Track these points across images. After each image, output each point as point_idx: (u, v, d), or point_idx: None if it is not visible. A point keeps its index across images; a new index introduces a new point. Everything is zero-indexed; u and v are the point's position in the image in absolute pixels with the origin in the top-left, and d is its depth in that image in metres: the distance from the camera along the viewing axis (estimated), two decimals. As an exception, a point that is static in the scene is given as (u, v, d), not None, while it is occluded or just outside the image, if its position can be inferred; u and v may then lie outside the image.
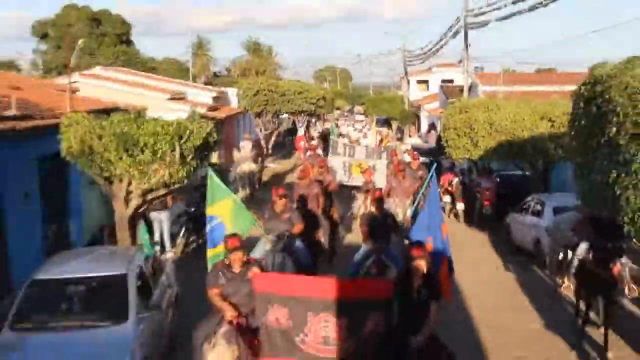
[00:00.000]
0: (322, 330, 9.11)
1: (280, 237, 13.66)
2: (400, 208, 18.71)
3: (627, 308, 15.00)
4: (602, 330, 13.31)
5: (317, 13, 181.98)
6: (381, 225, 14.07)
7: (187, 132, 14.95)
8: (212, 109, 35.89)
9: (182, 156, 14.94)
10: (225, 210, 12.32)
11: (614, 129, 9.87)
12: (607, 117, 10.15)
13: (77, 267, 12.63)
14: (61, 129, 15.23)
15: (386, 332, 9.04)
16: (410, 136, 58.98)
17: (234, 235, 10.19)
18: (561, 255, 15.76)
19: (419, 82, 77.68)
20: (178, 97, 33.80)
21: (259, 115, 38.45)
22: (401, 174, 20.06)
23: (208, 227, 12.36)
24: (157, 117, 16.12)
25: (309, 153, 31.61)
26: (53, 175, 18.39)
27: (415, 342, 8.69)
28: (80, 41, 26.72)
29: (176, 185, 15.69)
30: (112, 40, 77.98)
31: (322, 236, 17.58)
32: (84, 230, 20.03)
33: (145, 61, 77.46)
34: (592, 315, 13.86)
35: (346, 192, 28.28)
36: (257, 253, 12.79)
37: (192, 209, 21.12)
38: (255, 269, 9.79)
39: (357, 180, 27.53)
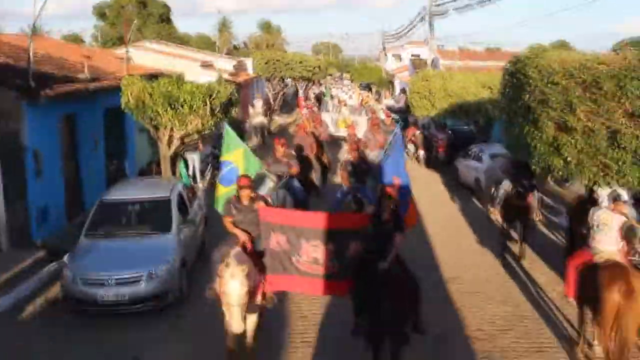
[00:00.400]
0: (313, 252, 9.09)
1: (280, 177, 13.53)
2: (374, 156, 17.67)
3: (537, 228, 15.56)
4: (519, 244, 14.06)
5: (315, 1, 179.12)
6: (358, 170, 13.87)
7: (215, 92, 15.34)
8: (233, 74, 35.80)
9: (211, 110, 15.33)
10: (238, 157, 11.78)
11: (527, 96, 10.31)
12: (523, 87, 10.59)
13: (134, 192, 13.19)
14: (122, 88, 15.66)
15: (362, 255, 8.86)
16: (385, 98, 58.44)
17: (244, 176, 10.00)
18: (493, 190, 15.90)
19: (394, 55, 74.66)
20: (207, 65, 33.74)
21: (268, 79, 38.40)
22: (375, 128, 19.64)
23: (224, 170, 11.71)
24: (192, 80, 16.54)
25: (306, 110, 30.64)
26: (113, 123, 18.67)
27: (382, 265, 8.35)
28: (134, 22, 26.72)
29: (206, 132, 16.14)
30: (156, 20, 76.70)
31: (315, 177, 17.32)
32: (135, 165, 20.39)
33: (181, 36, 76.50)
34: (512, 233, 14.50)
35: (334, 142, 27.79)
36: (263, 190, 12.32)
37: (217, 151, 21.45)
38: (261, 203, 9.55)
39: (343, 132, 26.92)
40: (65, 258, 11.53)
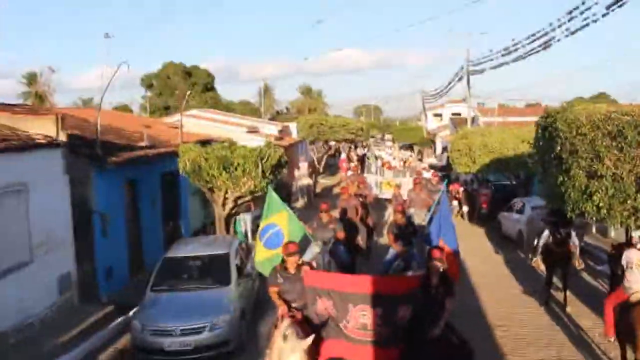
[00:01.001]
0: (361, 318, 8.82)
1: (325, 243, 13.45)
2: (418, 217, 17.70)
3: (580, 276, 15.99)
4: (563, 291, 14.60)
5: (354, 62, 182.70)
6: (404, 232, 13.72)
7: (266, 155, 16.49)
8: (278, 138, 37.25)
9: (263, 172, 16.46)
10: (282, 220, 11.75)
11: (559, 147, 11.12)
12: (554, 139, 11.40)
13: (194, 249, 14.24)
14: (179, 154, 16.91)
15: (411, 321, 8.64)
16: (427, 157, 59.62)
17: (292, 242, 9.84)
18: (535, 240, 16.58)
19: (435, 115, 75.73)
20: (253, 131, 35.24)
21: (312, 142, 39.74)
22: (418, 187, 19.62)
23: (268, 232, 11.70)
24: (243, 145, 17.73)
25: (350, 172, 30.45)
26: (169, 187, 19.90)
27: (435, 331, 8.22)
28: (188, 92, 28.42)
29: (258, 193, 17.18)
30: (200, 88, 79.61)
31: (361, 240, 16.87)
32: (189, 226, 21.49)
33: (226, 104, 79.03)
34: (555, 281, 15.00)
35: (379, 204, 27.71)
36: (307, 256, 11.99)
37: None
38: (306, 267, 9.42)
39: (387, 194, 27.21)
40: (134, 311, 12.55)
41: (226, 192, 16.69)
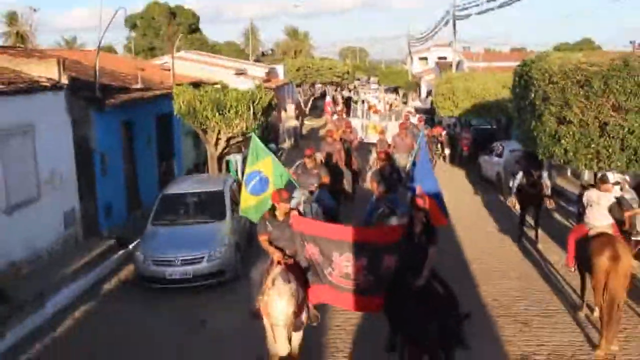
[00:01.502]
0: (344, 268, 8.94)
1: (312, 191, 13.58)
2: (403, 161, 17.79)
3: (552, 215, 17.11)
4: (534, 229, 15.70)
5: (340, 3, 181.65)
6: (387, 178, 13.77)
7: (258, 97, 17.27)
8: (266, 81, 37.77)
9: (254, 114, 17.26)
10: (267, 166, 11.72)
11: (532, 94, 11.99)
12: (529, 87, 12.27)
13: (190, 186, 15.15)
14: (173, 96, 17.62)
15: (396, 270, 8.69)
16: (412, 100, 60.21)
17: (282, 189, 9.78)
18: (510, 181, 17.17)
19: (420, 58, 76.33)
20: (240, 73, 35.72)
21: (299, 85, 40.34)
22: (404, 132, 19.76)
23: (253, 179, 11.63)
24: (235, 87, 18.44)
25: (336, 116, 29.99)
26: (163, 128, 20.57)
27: (418, 281, 8.17)
28: (180, 35, 28.74)
29: (249, 134, 17.93)
30: (185, 29, 79.09)
31: (346, 184, 17.09)
32: (183, 167, 22.32)
33: (212, 45, 78.76)
34: (528, 219, 16.11)
35: (364, 148, 27.58)
36: (292, 203, 11.48)
37: None
38: (294, 213, 9.31)
39: (373, 138, 27.06)
40: (134, 244, 13.51)
41: (219, 133, 17.50)
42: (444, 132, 28.95)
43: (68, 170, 14.44)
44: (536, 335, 10.34)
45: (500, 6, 29.82)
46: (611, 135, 10.40)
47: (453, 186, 22.12)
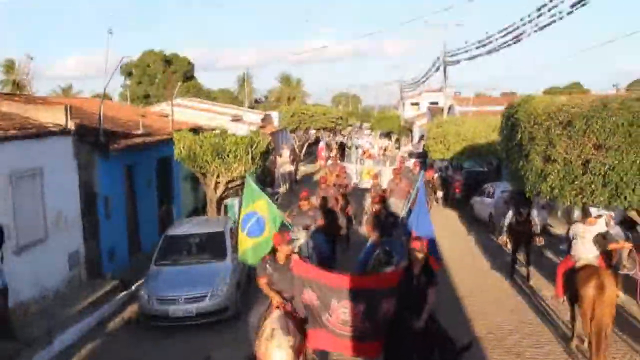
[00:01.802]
0: (342, 315, 9.00)
1: (305, 228, 13.59)
2: (398, 206, 17.39)
3: (543, 252, 17.64)
4: (526, 266, 16.20)
5: (333, 51, 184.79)
6: (383, 222, 13.79)
7: (256, 142, 17.92)
8: (261, 127, 38.56)
9: (252, 158, 17.88)
10: (262, 208, 11.78)
11: (519, 135, 12.66)
12: (516, 128, 12.95)
13: (192, 227, 15.67)
14: (174, 141, 18.26)
15: (396, 313, 8.79)
16: (405, 145, 61.16)
17: (284, 231, 10.05)
18: (501, 221, 17.78)
19: (412, 104, 77.99)
20: (236, 119, 36.51)
21: (293, 131, 41.08)
22: (398, 177, 19.93)
23: (250, 221, 11.70)
24: (233, 133, 19.10)
25: (330, 161, 30.49)
26: (162, 172, 21.19)
27: (418, 324, 8.28)
28: (179, 83, 29.56)
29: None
30: (181, 76, 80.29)
31: (341, 228, 16.93)
32: (182, 210, 22.86)
33: (207, 92, 79.87)
34: (519, 257, 16.63)
35: (359, 193, 27.53)
36: (296, 244, 11.92)
37: None
38: (295, 256, 9.44)
39: (367, 183, 27.15)
40: (137, 285, 13.95)
41: (218, 177, 18.08)
42: (436, 175, 29.69)
43: (73, 213, 14.98)
44: (528, 365, 10.79)
45: (489, 52, 30.63)
46: (593, 172, 11.02)
47: (446, 227, 22.71)
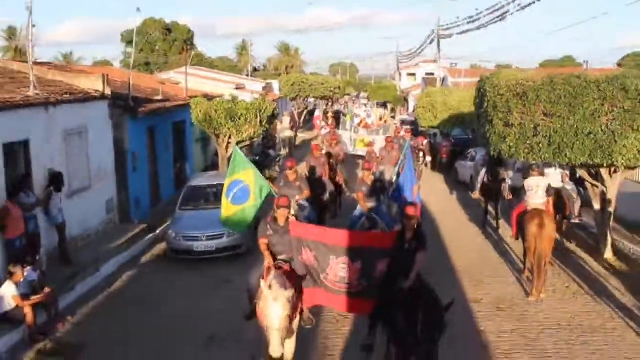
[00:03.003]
0: (340, 271, 9.40)
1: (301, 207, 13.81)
2: (388, 173, 18.33)
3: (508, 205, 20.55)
4: (495, 217, 19.21)
5: (331, 20, 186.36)
6: (372, 189, 14.30)
7: (264, 107, 20.72)
8: (263, 95, 41.09)
9: (260, 122, 20.68)
10: (248, 177, 11.99)
11: (486, 104, 15.39)
12: (484, 99, 15.67)
13: (210, 179, 18.48)
14: (191, 106, 21.04)
15: (386, 274, 9.19)
16: (400, 114, 63.74)
17: (283, 195, 10.34)
18: (477, 179, 20.68)
19: (409, 74, 79.89)
20: (240, 87, 39.16)
21: (293, 99, 43.77)
22: (390, 146, 20.57)
23: (235, 189, 12.00)
24: (243, 99, 21.86)
25: (326, 129, 30.89)
26: (177, 134, 24.00)
27: (405, 284, 8.64)
28: (192, 52, 32.12)
29: (255, 139, 21.37)
30: (181, 44, 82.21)
31: (328, 198, 17.53)
32: (193, 168, 25.57)
33: (210, 61, 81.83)
34: (490, 209, 19.55)
35: (352, 161, 29.19)
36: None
37: (257, 157, 26.34)
38: (293, 218, 9.91)
39: (361, 151, 28.39)
40: (161, 228, 16.84)
41: (230, 138, 20.85)
42: (425, 141, 32.43)
43: (109, 166, 17.80)
44: (486, 289, 13.70)
45: (478, 28, 33.41)
46: (541, 135, 13.83)
47: (434, 188, 25.72)
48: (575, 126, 13.48)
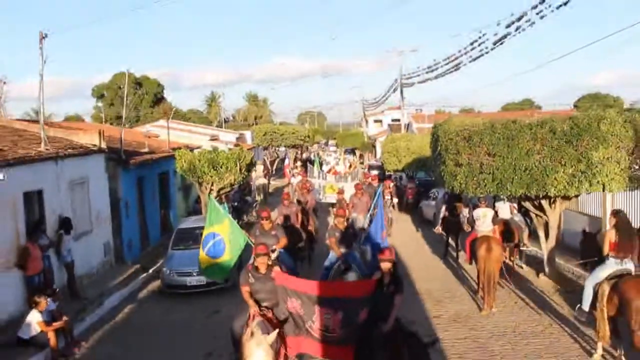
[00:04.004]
0: (325, 320, 9.75)
1: (272, 251, 13.59)
2: (359, 220, 19.68)
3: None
4: (455, 248, 21.70)
5: (297, 70, 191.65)
6: (345, 236, 14.66)
7: (242, 157, 23.13)
8: (236, 145, 43.31)
9: (240, 169, 23.06)
10: (224, 229, 12.32)
11: (439, 147, 17.96)
12: (437, 142, 18.27)
13: (195, 222, 20.57)
14: (175, 157, 23.37)
15: (368, 320, 9.52)
16: (369, 160, 66.30)
17: (261, 244, 10.76)
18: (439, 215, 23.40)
19: (375, 121, 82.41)
20: (214, 138, 41.66)
21: (266, 148, 46.36)
22: (360, 193, 21.62)
23: (210, 242, 12.52)
24: (223, 150, 24.25)
25: (299, 178, 32.48)
26: (162, 184, 26.32)
27: (385, 327, 9.01)
28: (173, 109, 34.61)
29: (235, 186, 23.73)
30: (151, 98, 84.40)
31: (300, 242, 18.26)
32: (177, 215, 27.75)
33: (182, 114, 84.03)
34: (450, 242, 22.09)
35: (322, 207, 29.92)
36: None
37: (235, 203, 28.40)
38: (277, 268, 10.21)
39: (330, 197, 29.79)
40: (154, 268, 19.02)
41: (212, 185, 23.14)
42: (392, 184, 35.02)
43: (105, 213, 19.98)
44: (445, 307, 16.02)
45: (436, 77, 36.33)
46: (486, 172, 16.40)
47: (399, 227, 28.21)
48: (513, 163, 16.07)
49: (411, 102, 67.45)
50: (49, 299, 13.90)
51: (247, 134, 49.00)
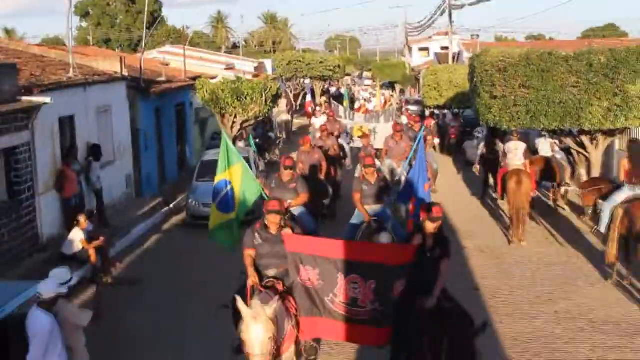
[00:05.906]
0: (351, 292, 9.37)
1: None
2: (397, 169, 20.03)
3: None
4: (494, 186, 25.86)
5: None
6: (373, 191, 14.71)
7: (268, 87, 27.37)
8: (255, 75, 45.47)
9: (265, 100, 27.31)
10: (236, 176, 12.16)
11: (475, 79, 22.07)
12: (474, 74, 22.38)
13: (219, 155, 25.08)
14: (197, 87, 27.69)
15: (405, 290, 9.20)
16: (411, 96, 68.21)
17: (274, 198, 10.42)
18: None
19: (421, 49, 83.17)
20: (230, 68, 45.50)
21: (289, 80, 50.01)
22: (398, 135, 21.53)
23: (222, 193, 12.35)
24: (248, 78, 28.45)
25: (323, 117, 33.26)
26: (179, 116, 30.81)
27: (430, 302, 8.89)
28: (190, 34, 38.71)
29: (260, 118, 28.01)
30: (148, 18, 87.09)
31: (326, 200, 18.90)
32: (193, 149, 32.28)
33: (190, 39, 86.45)
34: (490, 182, 26.17)
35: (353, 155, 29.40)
36: None
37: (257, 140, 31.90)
38: (287, 230, 9.87)
39: (358, 142, 28.66)
40: (175, 202, 23.65)
41: (235, 117, 27.40)
42: (432, 123, 38.74)
43: (127, 143, 24.51)
44: (477, 240, 20.31)
45: (489, -1, 39.89)
46: (520, 104, 20.54)
47: (443, 170, 31.41)
48: (547, 96, 20.22)
49: (465, 27, 69.41)
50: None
51: (267, 63, 52.42)
